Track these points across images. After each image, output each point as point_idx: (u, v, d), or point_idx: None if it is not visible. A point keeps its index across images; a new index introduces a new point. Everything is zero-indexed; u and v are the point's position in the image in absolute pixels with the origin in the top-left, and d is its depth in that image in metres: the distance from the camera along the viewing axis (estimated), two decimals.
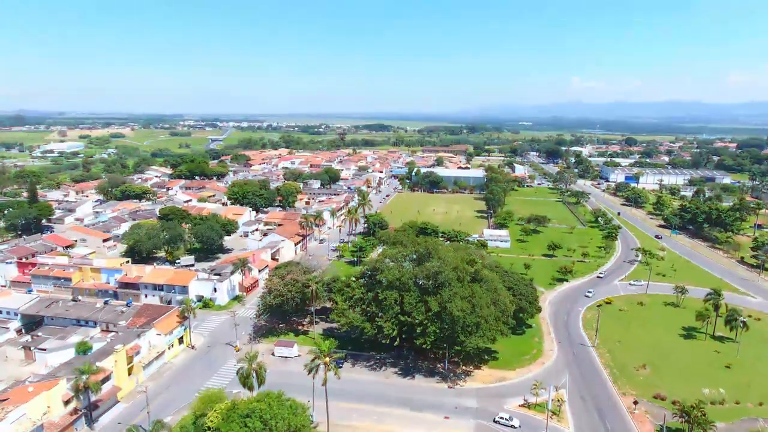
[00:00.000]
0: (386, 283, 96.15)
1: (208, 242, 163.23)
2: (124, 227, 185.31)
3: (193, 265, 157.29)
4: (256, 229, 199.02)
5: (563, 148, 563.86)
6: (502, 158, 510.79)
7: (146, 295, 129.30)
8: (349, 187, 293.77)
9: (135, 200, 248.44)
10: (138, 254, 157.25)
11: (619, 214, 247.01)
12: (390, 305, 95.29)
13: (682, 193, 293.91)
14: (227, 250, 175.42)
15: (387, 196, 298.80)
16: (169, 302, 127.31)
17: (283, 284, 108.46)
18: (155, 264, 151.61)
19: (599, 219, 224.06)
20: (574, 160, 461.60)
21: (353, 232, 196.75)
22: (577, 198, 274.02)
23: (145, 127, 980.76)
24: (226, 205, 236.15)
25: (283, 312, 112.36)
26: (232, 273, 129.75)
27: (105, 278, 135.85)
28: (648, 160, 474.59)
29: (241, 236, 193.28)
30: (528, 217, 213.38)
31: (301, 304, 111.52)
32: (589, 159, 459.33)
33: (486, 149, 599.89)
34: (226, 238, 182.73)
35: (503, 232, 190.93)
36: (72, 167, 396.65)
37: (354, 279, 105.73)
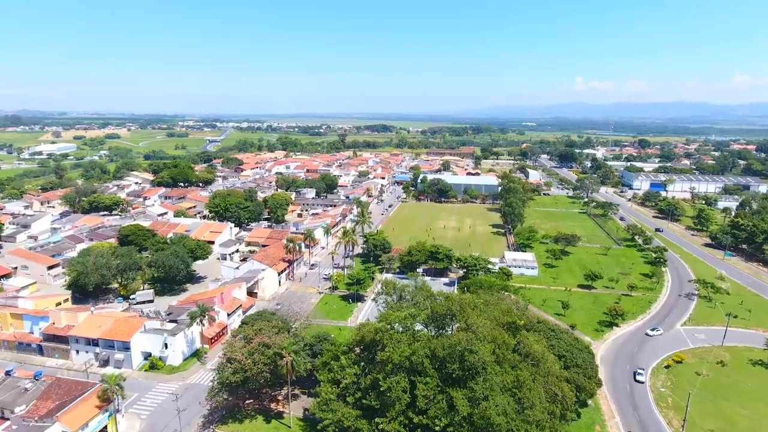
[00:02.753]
0: (391, 366, 65.86)
1: (170, 272, 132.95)
2: (80, 248, 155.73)
3: (152, 301, 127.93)
4: (237, 250, 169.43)
5: (576, 151, 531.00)
6: (512, 162, 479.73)
7: (77, 352, 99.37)
8: (347, 197, 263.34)
9: (105, 213, 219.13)
10: (83, 287, 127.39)
11: (657, 230, 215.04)
12: (397, 396, 65.17)
13: (722, 204, 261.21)
14: (198, 279, 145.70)
15: (390, 206, 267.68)
16: (106, 361, 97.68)
17: (248, 353, 78.02)
18: (94, 304, 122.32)
19: (636, 237, 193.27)
20: (589, 164, 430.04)
21: (350, 254, 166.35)
22: (604, 210, 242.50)
23: (143, 127, 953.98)
24: (207, 218, 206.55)
25: (249, 388, 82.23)
26: (189, 326, 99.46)
27: (29, 326, 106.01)
28: (669, 164, 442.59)
29: (218, 259, 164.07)
30: (555, 236, 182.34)
31: (272, 378, 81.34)
32: (607, 163, 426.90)
33: (494, 152, 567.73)
34: (200, 262, 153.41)
35: (529, 256, 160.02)
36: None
37: (345, 349, 75.26)
